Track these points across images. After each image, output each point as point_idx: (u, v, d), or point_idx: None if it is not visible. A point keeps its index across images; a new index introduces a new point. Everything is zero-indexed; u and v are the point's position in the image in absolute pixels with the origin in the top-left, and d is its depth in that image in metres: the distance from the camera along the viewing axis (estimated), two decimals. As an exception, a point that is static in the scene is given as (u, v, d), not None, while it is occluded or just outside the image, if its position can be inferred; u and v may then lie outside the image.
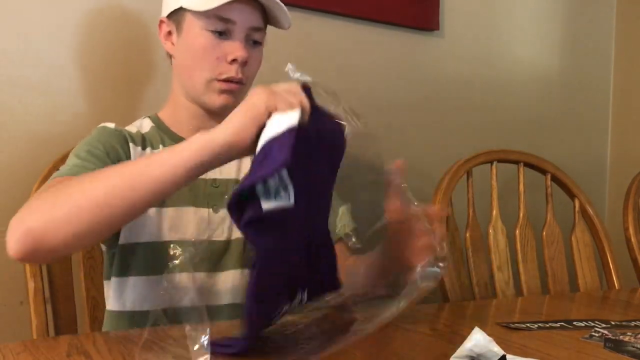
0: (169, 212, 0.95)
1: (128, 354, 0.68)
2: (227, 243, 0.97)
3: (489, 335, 0.58)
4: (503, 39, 1.83)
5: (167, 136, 1.00)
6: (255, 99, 0.69)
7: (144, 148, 0.97)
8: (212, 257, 0.96)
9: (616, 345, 0.77)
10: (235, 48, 0.94)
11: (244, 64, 0.95)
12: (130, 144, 0.96)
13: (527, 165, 1.45)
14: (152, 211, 0.93)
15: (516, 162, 1.44)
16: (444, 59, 1.72)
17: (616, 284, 1.38)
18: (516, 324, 0.87)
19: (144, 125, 1.02)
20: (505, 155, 1.43)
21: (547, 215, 1.42)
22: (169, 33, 1.00)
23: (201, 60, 0.95)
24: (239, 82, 0.96)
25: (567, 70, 1.95)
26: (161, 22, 1.01)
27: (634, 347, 0.76)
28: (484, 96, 1.80)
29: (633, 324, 0.91)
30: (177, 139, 0.99)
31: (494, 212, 1.36)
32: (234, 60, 0.94)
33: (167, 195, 0.72)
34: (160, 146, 0.99)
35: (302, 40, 1.48)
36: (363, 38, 1.59)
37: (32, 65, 1.21)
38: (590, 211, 1.43)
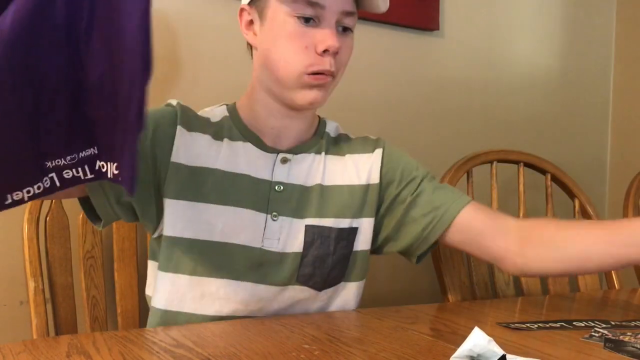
0: (224, 211, 0.88)
1: (128, 354, 0.68)
2: (281, 256, 0.91)
3: (489, 335, 0.58)
4: (503, 39, 1.83)
5: (238, 129, 0.93)
6: None
7: (206, 135, 0.91)
8: (261, 268, 0.90)
9: (616, 345, 0.77)
10: (326, 36, 0.84)
11: (335, 54, 0.85)
12: (179, 127, 0.88)
13: (527, 165, 1.45)
14: (203, 207, 0.87)
15: (516, 162, 1.44)
16: (444, 59, 1.72)
17: (616, 284, 1.38)
18: (516, 324, 0.87)
19: (217, 113, 0.95)
20: (505, 155, 1.43)
21: (547, 215, 1.42)
22: (251, 22, 0.90)
23: (287, 51, 0.85)
24: (330, 74, 0.86)
25: (567, 70, 1.95)
26: (242, 10, 0.91)
27: (634, 347, 0.76)
28: (483, 96, 1.80)
29: (633, 324, 0.91)
30: (247, 135, 0.93)
31: (494, 212, 1.36)
32: (325, 51, 0.84)
33: None
34: (226, 139, 0.92)
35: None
36: (363, 38, 1.59)
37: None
38: (590, 211, 1.43)
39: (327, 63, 0.85)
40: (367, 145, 1.01)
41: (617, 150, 2.04)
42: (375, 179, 0.98)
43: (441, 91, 1.72)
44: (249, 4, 0.90)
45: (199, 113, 0.96)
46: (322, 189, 0.95)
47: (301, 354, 0.69)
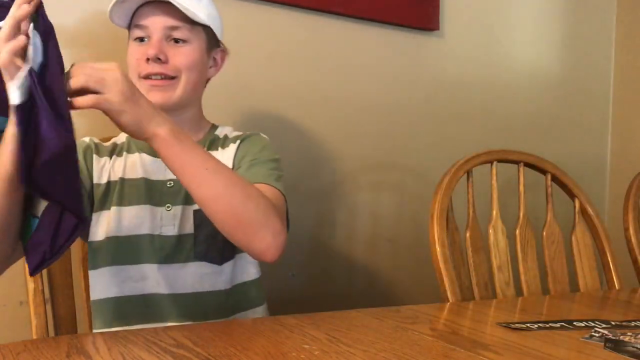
0: (127, 210, 1.04)
1: (128, 354, 0.68)
2: (177, 238, 1.04)
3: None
4: (503, 39, 1.83)
5: (134, 144, 1.09)
6: None
7: (112, 156, 1.09)
8: (163, 251, 1.04)
9: (616, 345, 0.77)
10: (148, 48, 1.03)
11: (159, 60, 1.02)
12: (94, 155, 1.08)
13: (527, 165, 1.44)
14: (113, 210, 1.04)
15: (516, 162, 1.44)
16: (444, 59, 1.72)
17: (616, 284, 1.38)
18: (516, 324, 0.87)
19: (122, 135, 1.12)
20: (505, 155, 1.43)
21: (547, 215, 1.42)
22: None
23: (130, 66, 1.05)
24: (160, 76, 1.03)
25: (567, 70, 1.95)
26: None
27: (634, 347, 0.76)
28: (484, 96, 1.80)
29: (633, 324, 0.91)
30: (142, 147, 1.08)
31: (494, 212, 1.36)
32: (147, 59, 1.02)
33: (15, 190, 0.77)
34: (125, 153, 1.08)
35: (302, 40, 1.48)
36: (363, 38, 1.59)
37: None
38: (591, 211, 1.43)
39: (149, 68, 1.03)
40: (237, 139, 1.12)
41: (617, 150, 2.04)
42: (229, 166, 1.10)
43: (441, 91, 1.72)
44: None
45: (112, 140, 1.13)
46: None
47: (301, 354, 0.69)
